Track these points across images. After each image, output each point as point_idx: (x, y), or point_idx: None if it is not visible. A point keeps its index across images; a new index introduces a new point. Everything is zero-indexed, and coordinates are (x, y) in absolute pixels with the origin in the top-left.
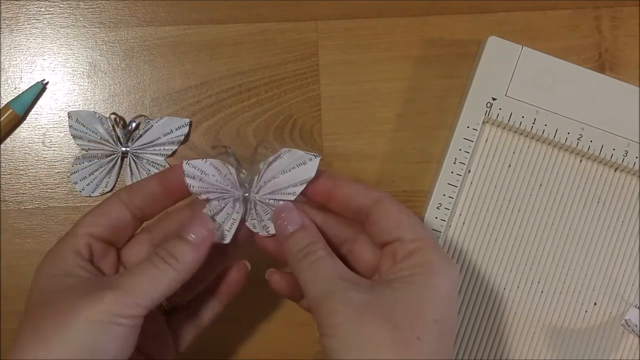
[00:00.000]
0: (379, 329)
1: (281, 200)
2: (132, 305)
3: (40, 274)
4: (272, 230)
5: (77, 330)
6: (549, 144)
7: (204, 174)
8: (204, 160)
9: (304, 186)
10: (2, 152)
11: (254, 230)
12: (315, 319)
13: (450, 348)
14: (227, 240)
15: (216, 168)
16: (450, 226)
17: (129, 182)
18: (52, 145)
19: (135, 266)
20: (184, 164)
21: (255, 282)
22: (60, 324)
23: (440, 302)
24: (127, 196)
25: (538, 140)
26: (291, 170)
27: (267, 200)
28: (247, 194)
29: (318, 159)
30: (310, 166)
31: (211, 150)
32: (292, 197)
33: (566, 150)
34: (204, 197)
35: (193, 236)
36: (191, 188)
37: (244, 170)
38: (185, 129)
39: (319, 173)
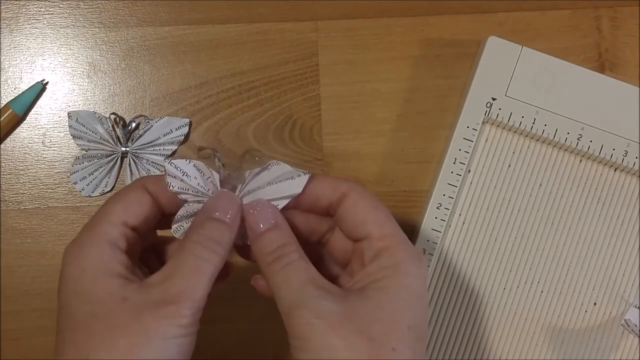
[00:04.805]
0: (353, 342)
1: None
2: (196, 313)
3: (76, 270)
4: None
5: (154, 348)
6: (549, 144)
7: (185, 175)
8: (188, 160)
9: (287, 201)
10: (2, 152)
11: (242, 241)
12: (287, 328)
13: (424, 349)
14: None
15: (199, 170)
16: (450, 226)
17: (128, 182)
18: (52, 145)
19: (177, 262)
20: (165, 164)
21: None
22: (135, 345)
23: (412, 304)
24: (154, 187)
25: (538, 140)
26: (278, 183)
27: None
28: None
29: (307, 176)
30: (298, 182)
31: (198, 151)
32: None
33: (566, 150)
34: (182, 197)
35: (225, 215)
36: (171, 187)
37: (229, 173)
38: (185, 129)
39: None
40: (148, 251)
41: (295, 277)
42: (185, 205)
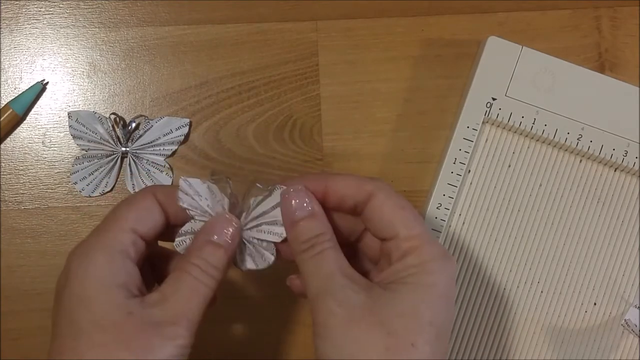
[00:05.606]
0: (372, 335)
1: (266, 240)
2: (193, 335)
3: (83, 276)
4: (268, 259)
5: None
6: (549, 144)
7: (197, 194)
8: (203, 181)
9: None
10: (2, 152)
11: (242, 267)
12: (311, 314)
13: (445, 349)
14: None
15: (212, 192)
16: (450, 226)
17: (128, 182)
18: (52, 145)
19: (177, 283)
20: (180, 181)
21: (255, 282)
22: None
23: (436, 302)
24: (163, 197)
25: (538, 140)
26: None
27: (250, 239)
28: None
29: None
30: None
31: (210, 176)
32: (279, 239)
33: (566, 150)
34: (190, 213)
35: (224, 239)
36: (181, 203)
37: (238, 198)
38: (185, 129)
39: (306, 176)
40: (144, 260)
41: (325, 265)
42: (192, 221)
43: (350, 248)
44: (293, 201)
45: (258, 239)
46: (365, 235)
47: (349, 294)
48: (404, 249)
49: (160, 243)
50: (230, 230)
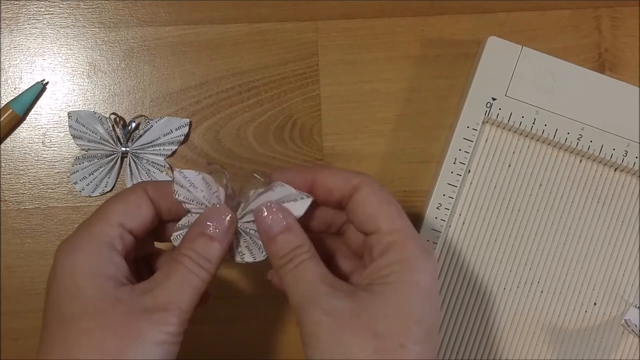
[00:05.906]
0: (360, 339)
1: None
2: (183, 323)
3: (69, 268)
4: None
5: (145, 352)
6: (549, 144)
7: (192, 186)
8: (197, 172)
9: None
10: (2, 152)
11: (239, 259)
12: (298, 325)
13: (436, 345)
14: None
15: (207, 183)
16: (450, 226)
17: (128, 182)
18: (52, 145)
19: (169, 272)
20: (175, 172)
21: (254, 282)
22: (126, 347)
23: (421, 300)
24: (154, 193)
25: (538, 140)
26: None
27: (247, 230)
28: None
29: (310, 199)
30: (300, 204)
31: (207, 165)
32: None
33: (566, 150)
34: (186, 207)
35: (217, 231)
36: (177, 195)
37: (235, 190)
38: (185, 129)
39: (295, 168)
40: (141, 260)
41: (305, 275)
42: (188, 214)
43: (332, 245)
44: (268, 217)
45: (255, 230)
46: (348, 229)
47: (332, 301)
48: (385, 243)
49: (159, 245)
50: (224, 222)
